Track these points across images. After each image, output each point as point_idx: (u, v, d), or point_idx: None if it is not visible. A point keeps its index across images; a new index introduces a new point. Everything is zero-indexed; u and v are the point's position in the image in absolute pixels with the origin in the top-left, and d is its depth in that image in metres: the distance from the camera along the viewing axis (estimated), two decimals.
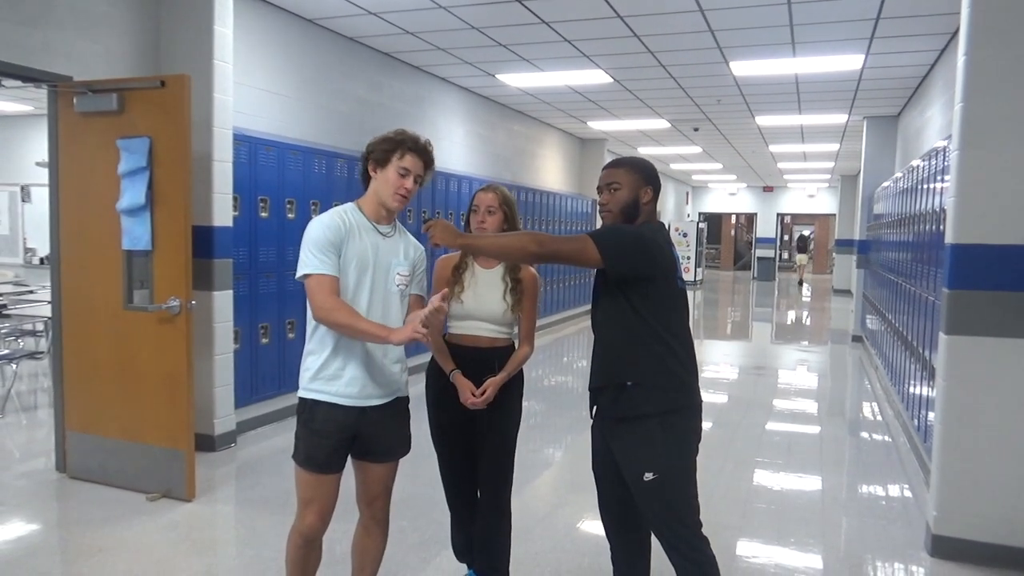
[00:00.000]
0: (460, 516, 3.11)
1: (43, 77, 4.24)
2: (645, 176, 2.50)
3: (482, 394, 2.81)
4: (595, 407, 2.56)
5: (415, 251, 2.67)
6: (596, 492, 2.67)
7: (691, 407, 2.44)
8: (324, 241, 2.42)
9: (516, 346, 2.99)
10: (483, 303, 2.88)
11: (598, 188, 2.54)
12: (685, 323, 2.46)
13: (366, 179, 2.59)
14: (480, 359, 2.87)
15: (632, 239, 2.35)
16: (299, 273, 2.44)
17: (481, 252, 2.72)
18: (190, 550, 3.61)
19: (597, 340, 2.52)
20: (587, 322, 13.51)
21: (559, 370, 8.83)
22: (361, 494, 2.70)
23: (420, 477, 4.60)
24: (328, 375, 2.48)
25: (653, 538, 2.57)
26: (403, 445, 2.69)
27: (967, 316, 3.57)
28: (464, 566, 3.21)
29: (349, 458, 2.61)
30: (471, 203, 2.93)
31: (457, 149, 9.06)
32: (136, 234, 4.15)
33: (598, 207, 2.59)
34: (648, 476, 2.34)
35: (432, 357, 2.97)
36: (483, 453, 2.95)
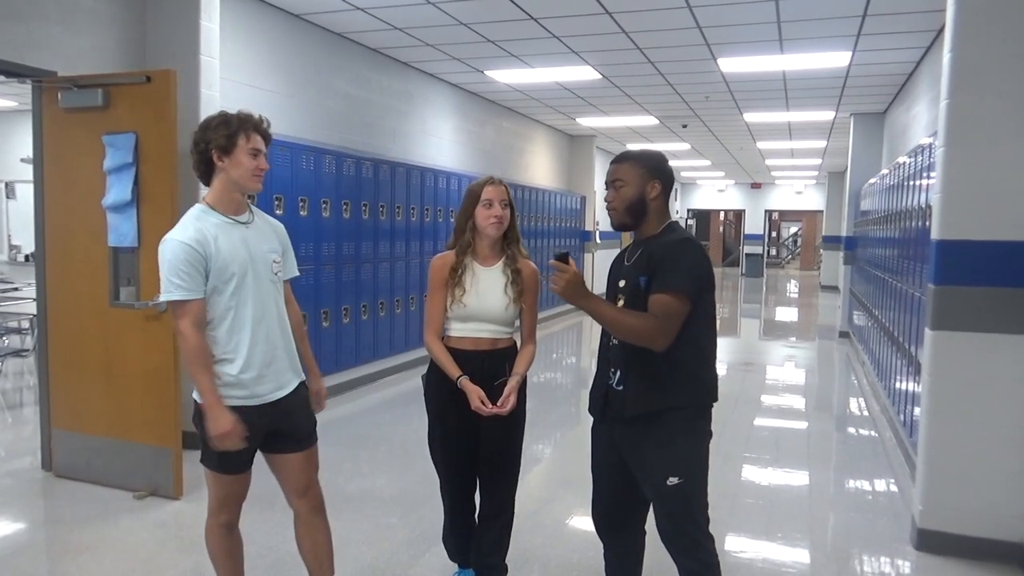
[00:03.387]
0: (459, 521, 2.99)
1: (27, 72, 4.20)
2: (651, 170, 2.40)
3: (501, 403, 2.67)
4: (603, 408, 2.47)
5: (280, 231, 2.64)
6: (591, 490, 2.64)
7: (709, 408, 2.42)
8: (183, 261, 2.31)
9: (517, 345, 2.90)
10: (486, 302, 2.75)
11: (605, 184, 2.47)
12: (713, 327, 2.43)
13: (207, 171, 2.46)
14: (484, 362, 2.75)
15: (702, 272, 2.30)
16: (161, 298, 2.35)
17: (602, 322, 2.35)
18: (177, 548, 3.59)
19: (621, 344, 2.36)
20: (575, 319, 13.36)
21: (547, 367, 8.84)
22: (291, 489, 2.62)
23: (408, 474, 4.60)
24: (240, 382, 2.41)
25: (648, 539, 2.58)
26: (314, 429, 2.64)
27: (952, 312, 3.59)
28: (455, 565, 3.18)
29: (259, 455, 2.56)
30: (476, 196, 2.75)
31: (446, 145, 9.04)
32: (122, 231, 4.12)
33: (605, 204, 2.50)
34: (672, 480, 2.31)
35: (429, 366, 2.84)
36: (490, 460, 2.85)
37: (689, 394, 2.35)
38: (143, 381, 4.13)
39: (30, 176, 4.52)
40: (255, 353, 2.42)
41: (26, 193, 8.53)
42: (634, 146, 14.72)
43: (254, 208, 2.57)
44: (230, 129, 2.40)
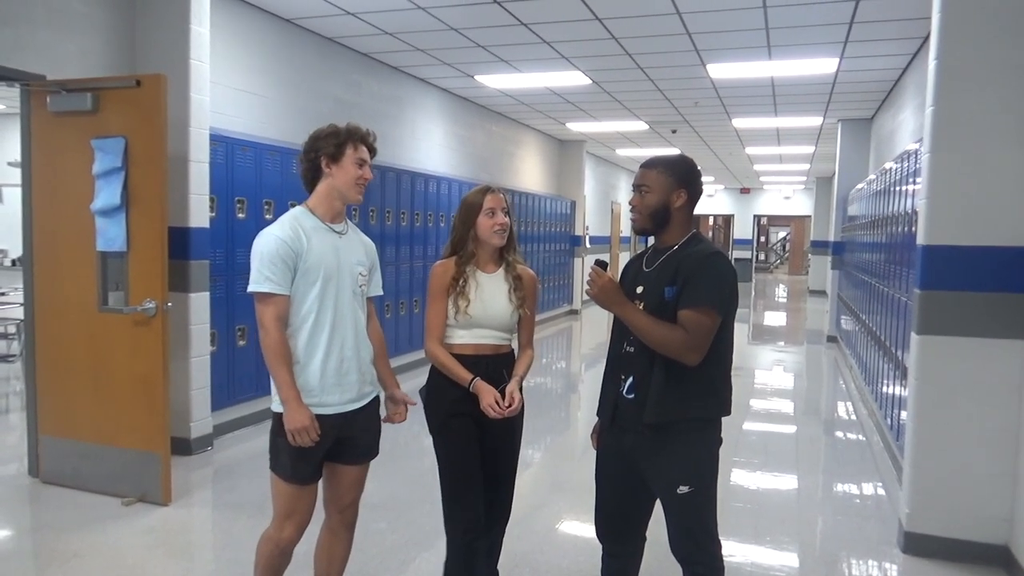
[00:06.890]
0: (474, 552, 2.68)
1: (15, 76, 4.18)
2: (679, 178, 2.35)
3: (508, 404, 2.60)
4: (612, 415, 2.44)
5: (371, 248, 2.71)
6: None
7: (720, 418, 2.42)
8: (276, 256, 2.38)
9: (514, 351, 2.84)
10: (491, 310, 2.68)
11: (632, 186, 2.45)
12: (732, 341, 2.42)
13: (313, 178, 2.55)
14: (486, 367, 2.67)
15: (732, 287, 2.29)
16: (250, 288, 2.42)
17: (634, 329, 2.31)
18: (166, 555, 3.58)
19: (642, 351, 2.33)
20: (565, 324, 13.30)
21: (537, 372, 8.82)
22: (333, 499, 2.65)
23: (397, 478, 4.59)
24: (312, 388, 2.45)
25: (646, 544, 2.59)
26: (376, 445, 2.68)
27: (938, 316, 3.63)
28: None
29: None
30: (478, 206, 2.68)
31: (436, 150, 9.05)
32: (111, 235, 4.10)
33: (629, 207, 2.49)
34: (683, 489, 2.31)
35: (428, 379, 2.74)
36: (497, 467, 2.77)
37: (707, 406, 2.34)
38: (131, 386, 4.11)
39: (18, 180, 4.50)
40: (329, 361, 2.47)
41: (14, 197, 8.46)
42: (623, 151, 14.79)
43: (350, 222, 2.65)
44: (339, 139, 2.51)
